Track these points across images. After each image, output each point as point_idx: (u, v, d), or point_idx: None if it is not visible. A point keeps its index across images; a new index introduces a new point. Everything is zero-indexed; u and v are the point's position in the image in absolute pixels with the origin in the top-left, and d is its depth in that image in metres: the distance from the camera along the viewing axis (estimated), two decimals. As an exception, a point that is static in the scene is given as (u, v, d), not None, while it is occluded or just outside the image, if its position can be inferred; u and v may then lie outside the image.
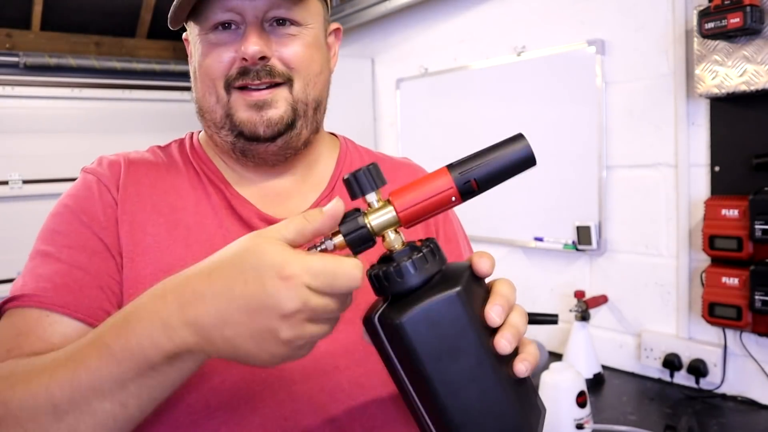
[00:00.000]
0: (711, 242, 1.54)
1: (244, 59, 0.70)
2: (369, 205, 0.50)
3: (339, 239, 0.49)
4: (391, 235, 0.50)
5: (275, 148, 0.74)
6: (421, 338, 0.46)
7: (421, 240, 0.52)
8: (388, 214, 0.50)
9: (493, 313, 0.50)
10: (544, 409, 0.54)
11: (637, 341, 1.81)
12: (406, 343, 0.46)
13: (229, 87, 0.72)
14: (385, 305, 0.49)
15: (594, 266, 1.93)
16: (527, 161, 0.49)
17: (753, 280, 1.44)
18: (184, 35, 0.81)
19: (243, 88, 0.71)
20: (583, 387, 1.41)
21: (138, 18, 3.30)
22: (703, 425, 1.45)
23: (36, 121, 3.05)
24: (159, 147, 0.82)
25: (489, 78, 2.20)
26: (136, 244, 0.70)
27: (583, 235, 1.89)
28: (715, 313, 1.54)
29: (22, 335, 0.63)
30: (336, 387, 0.71)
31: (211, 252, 0.71)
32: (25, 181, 3.01)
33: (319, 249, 0.50)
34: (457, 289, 0.47)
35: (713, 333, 1.63)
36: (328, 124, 0.85)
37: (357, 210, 0.50)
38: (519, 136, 0.50)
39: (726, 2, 1.42)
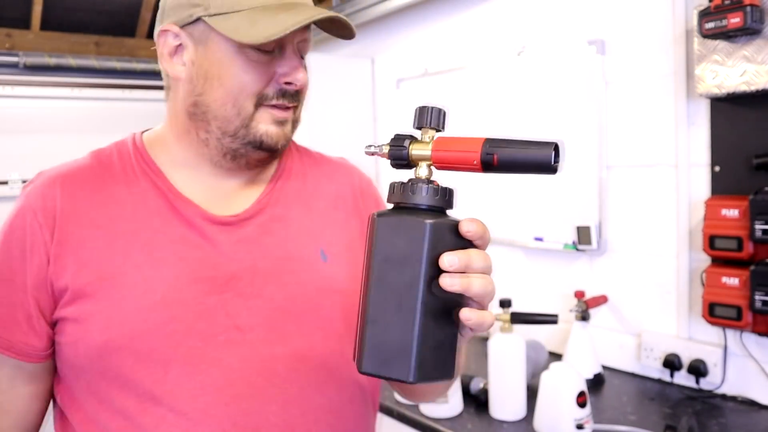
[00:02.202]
0: (711, 242, 1.54)
1: (289, 83, 0.77)
2: (420, 139, 0.58)
3: (386, 149, 0.58)
4: (423, 165, 0.57)
5: (266, 155, 0.81)
6: (383, 237, 0.53)
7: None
8: (425, 150, 0.56)
9: (446, 259, 0.52)
10: (452, 377, 0.56)
11: (637, 341, 1.81)
12: (372, 234, 0.54)
13: (259, 104, 0.76)
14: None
15: (594, 266, 1.93)
16: (544, 167, 0.53)
17: (753, 280, 1.44)
18: (166, 27, 0.77)
19: (273, 106, 0.78)
20: (583, 387, 1.41)
21: (138, 18, 3.30)
22: (703, 425, 1.45)
23: (36, 121, 3.04)
24: (99, 151, 0.84)
25: (489, 78, 2.20)
26: (78, 258, 0.75)
27: (583, 235, 1.88)
28: (715, 313, 1.54)
29: None
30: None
31: (150, 256, 0.76)
32: (25, 181, 3.01)
33: (372, 149, 0.59)
34: (432, 221, 0.52)
35: (713, 333, 1.63)
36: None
37: (411, 135, 0.58)
38: (550, 144, 0.53)
39: (726, 2, 1.41)
